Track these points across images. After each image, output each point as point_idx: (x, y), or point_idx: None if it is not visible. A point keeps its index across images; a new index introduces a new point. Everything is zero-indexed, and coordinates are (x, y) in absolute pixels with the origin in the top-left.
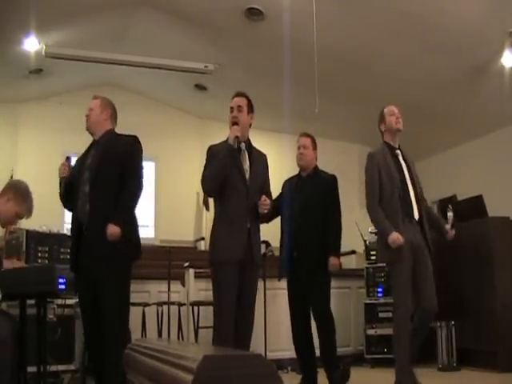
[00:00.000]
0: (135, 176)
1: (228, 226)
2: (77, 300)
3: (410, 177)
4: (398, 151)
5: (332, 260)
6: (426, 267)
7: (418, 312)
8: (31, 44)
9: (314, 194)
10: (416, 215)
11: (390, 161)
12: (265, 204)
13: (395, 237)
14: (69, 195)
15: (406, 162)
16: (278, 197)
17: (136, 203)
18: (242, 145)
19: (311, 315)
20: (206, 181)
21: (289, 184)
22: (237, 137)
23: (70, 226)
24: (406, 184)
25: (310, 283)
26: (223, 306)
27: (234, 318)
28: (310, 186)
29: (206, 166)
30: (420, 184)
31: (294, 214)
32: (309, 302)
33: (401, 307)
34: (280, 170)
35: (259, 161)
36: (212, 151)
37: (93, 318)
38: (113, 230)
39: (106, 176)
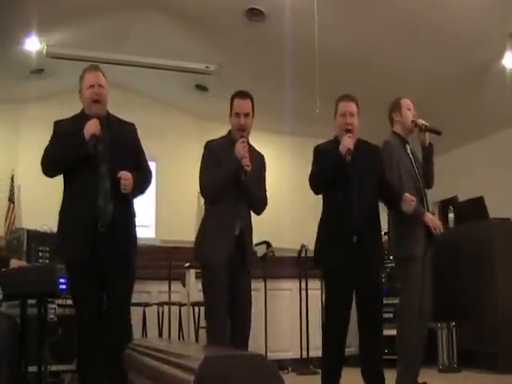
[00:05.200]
0: (148, 169)
1: (216, 226)
2: None
3: (419, 173)
4: (408, 145)
5: (406, 197)
6: (428, 277)
7: None
8: (32, 44)
9: (369, 169)
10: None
11: (404, 153)
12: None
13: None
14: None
15: (413, 157)
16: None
17: (144, 188)
18: None
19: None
20: (206, 186)
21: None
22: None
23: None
24: (419, 180)
25: (368, 271)
26: (215, 307)
27: (226, 319)
28: (362, 160)
29: (205, 167)
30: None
31: (354, 192)
32: (358, 292)
33: (410, 305)
34: (280, 171)
35: (256, 161)
36: (211, 149)
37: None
38: (127, 175)
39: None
